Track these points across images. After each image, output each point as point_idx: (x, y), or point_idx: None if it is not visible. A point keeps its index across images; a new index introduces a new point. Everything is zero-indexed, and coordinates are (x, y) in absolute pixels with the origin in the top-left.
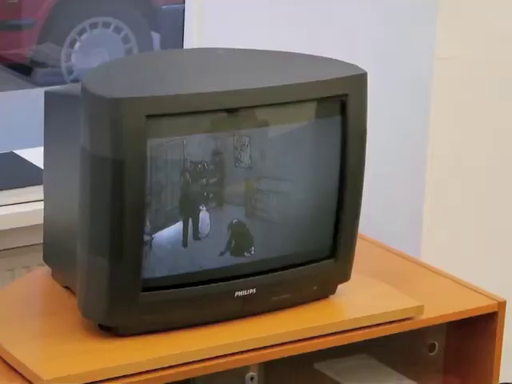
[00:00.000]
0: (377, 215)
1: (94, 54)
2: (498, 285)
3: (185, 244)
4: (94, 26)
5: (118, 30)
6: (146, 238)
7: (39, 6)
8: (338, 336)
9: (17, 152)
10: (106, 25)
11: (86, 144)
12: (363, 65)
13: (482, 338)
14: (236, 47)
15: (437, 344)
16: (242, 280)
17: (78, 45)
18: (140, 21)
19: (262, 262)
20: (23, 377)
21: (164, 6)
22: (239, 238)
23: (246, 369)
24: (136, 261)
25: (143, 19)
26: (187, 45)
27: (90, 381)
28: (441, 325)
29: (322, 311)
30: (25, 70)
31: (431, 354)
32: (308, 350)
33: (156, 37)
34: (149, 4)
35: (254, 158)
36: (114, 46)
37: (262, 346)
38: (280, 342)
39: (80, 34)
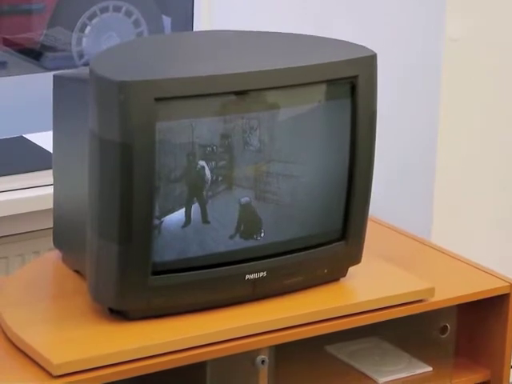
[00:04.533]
0: (387, 197)
1: (104, 38)
2: (509, 266)
3: (194, 227)
4: (104, 10)
5: (128, 13)
6: (156, 221)
7: None
8: (348, 319)
9: (27, 136)
10: (117, 9)
11: (95, 127)
12: (373, 46)
13: (493, 319)
14: (245, 30)
15: (448, 326)
16: (252, 263)
17: (88, 29)
18: (151, 4)
19: (272, 245)
20: (33, 361)
21: None
22: (248, 221)
23: (256, 352)
24: (145, 245)
25: (154, 3)
26: (197, 28)
27: (100, 365)
28: (452, 307)
29: (333, 294)
30: (35, 55)
31: (443, 336)
32: (319, 333)
33: (167, 20)
34: None
35: (263, 140)
36: (124, 30)
37: (272, 329)
38: (291, 325)
39: (90, 18)
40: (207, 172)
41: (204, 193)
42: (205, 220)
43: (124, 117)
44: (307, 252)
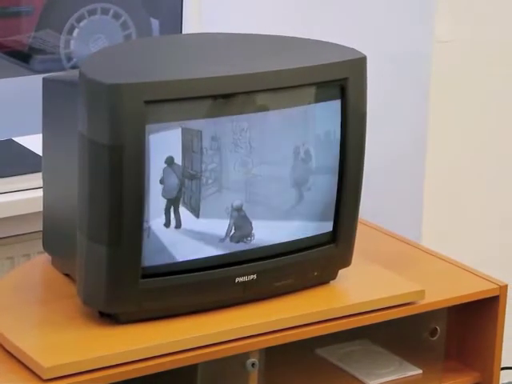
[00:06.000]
0: (377, 200)
1: (92, 40)
2: (499, 269)
3: (184, 230)
4: (92, 12)
5: (116, 16)
6: (145, 224)
7: None
8: (339, 321)
9: (16, 139)
10: (105, 11)
11: (84, 130)
12: (362, 48)
13: (483, 322)
14: (235, 32)
15: (438, 328)
16: (242, 266)
17: (76, 31)
18: (139, 7)
19: (262, 247)
20: (23, 364)
21: None
22: (239, 224)
23: (247, 355)
24: (135, 248)
25: (142, 5)
26: (186, 31)
27: (90, 368)
28: (442, 309)
29: (323, 297)
30: (23, 57)
31: (433, 338)
32: (309, 336)
33: (155, 23)
34: None
35: (253, 143)
36: (112, 32)
37: (263, 331)
38: (281, 328)
39: (78, 20)
40: (197, 175)
41: (194, 196)
42: (195, 223)
43: (114, 119)
44: (297, 255)
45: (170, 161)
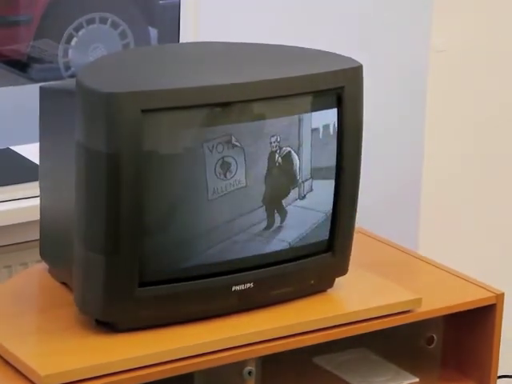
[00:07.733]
0: (374, 208)
1: (91, 49)
2: (496, 277)
3: (181, 239)
4: (90, 21)
5: (115, 25)
6: (143, 233)
7: (36, 2)
8: (336, 330)
9: (13, 148)
10: (103, 20)
11: (82, 139)
12: (359, 57)
13: (480, 330)
14: (232, 41)
15: (435, 337)
16: (239, 274)
17: (75, 40)
18: (137, 16)
19: (258, 256)
20: (20, 373)
21: (161, 1)
22: (235, 233)
23: (243, 363)
24: (132, 256)
25: (140, 14)
26: (183, 39)
27: (87, 376)
28: (439, 317)
29: (320, 305)
30: (22, 66)
31: (430, 346)
32: (306, 344)
33: (153, 32)
34: None
35: (249, 151)
36: (111, 41)
37: (259, 340)
38: (278, 337)
39: (77, 29)
40: (195, 183)
41: (192, 204)
42: (193, 231)
43: (111, 128)
44: (294, 263)
45: (162, 166)
